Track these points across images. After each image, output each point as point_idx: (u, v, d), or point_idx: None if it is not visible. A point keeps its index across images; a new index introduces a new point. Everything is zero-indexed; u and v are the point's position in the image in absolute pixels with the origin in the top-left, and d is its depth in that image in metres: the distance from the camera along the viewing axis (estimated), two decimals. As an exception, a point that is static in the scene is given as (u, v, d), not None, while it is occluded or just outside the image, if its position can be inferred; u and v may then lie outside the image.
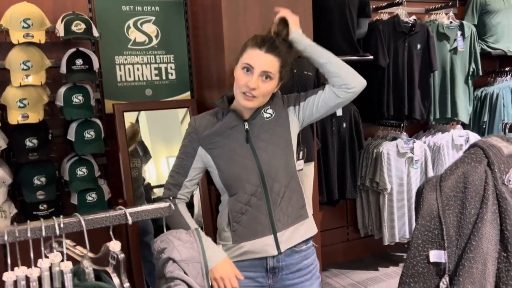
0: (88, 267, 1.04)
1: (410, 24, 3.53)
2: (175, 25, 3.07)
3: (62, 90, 2.57)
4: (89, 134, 2.61)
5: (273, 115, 1.68)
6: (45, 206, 2.55)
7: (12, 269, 1.06)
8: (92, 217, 1.10)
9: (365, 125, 3.59)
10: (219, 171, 1.63)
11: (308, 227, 1.71)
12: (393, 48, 3.51)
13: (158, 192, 2.91)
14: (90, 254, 1.08)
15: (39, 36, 2.42)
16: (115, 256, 1.05)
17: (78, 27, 2.51)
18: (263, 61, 1.55)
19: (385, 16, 3.65)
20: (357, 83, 1.64)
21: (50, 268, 1.06)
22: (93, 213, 1.09)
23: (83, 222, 1.06)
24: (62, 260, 1.03)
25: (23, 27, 2.40)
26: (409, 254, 1.14)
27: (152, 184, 2.98)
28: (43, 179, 2.53)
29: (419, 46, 3.58)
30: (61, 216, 1.09)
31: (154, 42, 3.04)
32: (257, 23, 2.51)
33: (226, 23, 2.49)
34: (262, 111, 1.68)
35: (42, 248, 1.05)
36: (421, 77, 3.61)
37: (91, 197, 2.64)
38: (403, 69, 3.54)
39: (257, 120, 1.67)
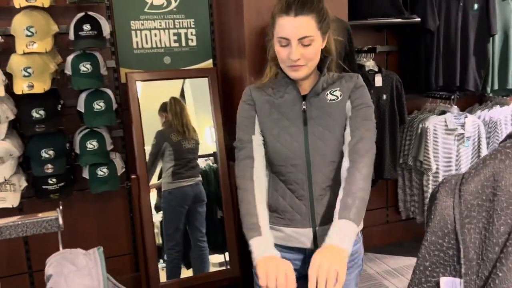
0: None
1: (467, -20, 3.06)
2: (195, -15, 2.81)
3: (70, 58, 2.42)
4: (99, 105, 2.46)
5: (339, 98, 1.46)
6: (54, 180, 2.44)
7: None
8: None
9: (409, 96, 3.22)
10: (264, 143, 1.48)
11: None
12: (445, 8, 3.06)
13: (201, 162, 2.88)
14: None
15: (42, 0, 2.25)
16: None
17: (85, -12, 2.32)
18: (295, 28, 1.34)
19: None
20: None
21: None
22: None
23: None
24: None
25: (25, -10, 2.24)
26: (412, 280, 0.86)
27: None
28: (51, 152, 2.41)
29: (476, 5, 3.10)
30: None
31: (173, 5, 2.80)
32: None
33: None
34: (328, 92, 1.47)
35: None
36: (477, 42, 3.15)
37: (102, 171, 2.51)
38: (456, 33, 3.09)
39: (319, 100, 1.46)
